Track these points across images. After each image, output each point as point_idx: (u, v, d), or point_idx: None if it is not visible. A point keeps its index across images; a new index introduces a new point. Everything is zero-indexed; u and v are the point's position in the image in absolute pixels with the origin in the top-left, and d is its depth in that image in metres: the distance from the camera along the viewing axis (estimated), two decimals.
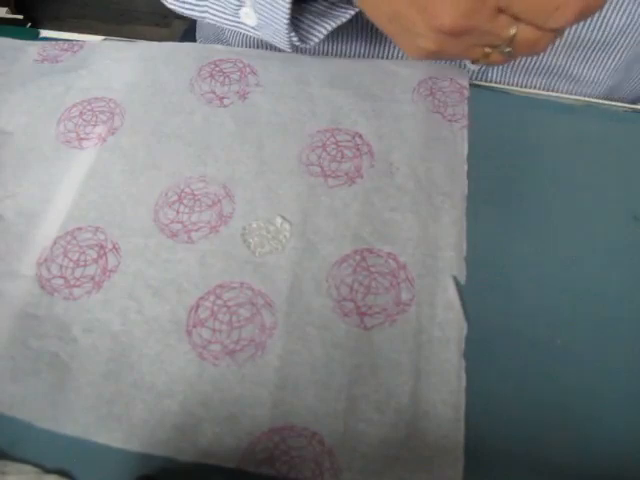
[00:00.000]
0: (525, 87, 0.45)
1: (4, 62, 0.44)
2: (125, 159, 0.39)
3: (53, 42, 0.45)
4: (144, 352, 0.32)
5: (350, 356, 0.31)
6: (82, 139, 0.40)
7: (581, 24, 0.41)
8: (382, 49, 0.46)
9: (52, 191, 0.37)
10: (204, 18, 0.41)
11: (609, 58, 0.44)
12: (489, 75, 0.46)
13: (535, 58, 0.44)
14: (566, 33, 0.41)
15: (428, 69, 0.42)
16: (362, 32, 0.45)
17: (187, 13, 0.42)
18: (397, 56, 0.46)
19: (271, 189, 0.37)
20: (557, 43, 0.42)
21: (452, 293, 0.33)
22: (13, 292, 0.34)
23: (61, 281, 0.34)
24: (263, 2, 0.36)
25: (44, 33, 0.47)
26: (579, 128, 0.37)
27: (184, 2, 0.41)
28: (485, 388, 0.30)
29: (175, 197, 0.37)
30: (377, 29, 0.43)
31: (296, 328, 0.32)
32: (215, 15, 0.41)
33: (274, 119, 0.40)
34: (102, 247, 0.35)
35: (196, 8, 0.41)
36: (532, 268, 0.34)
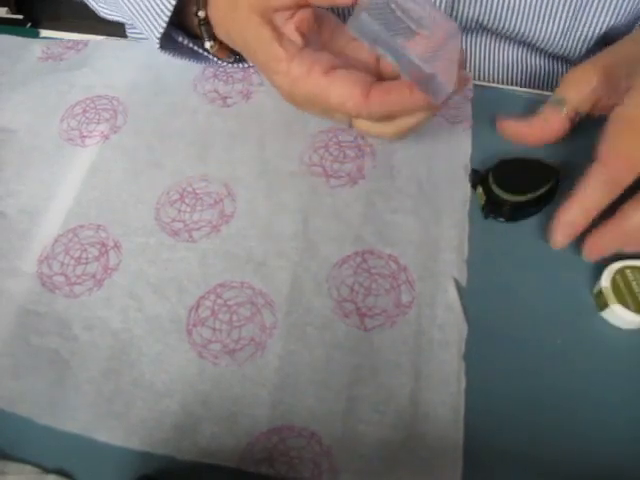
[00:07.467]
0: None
1: (8, 60, 0.44)
2: (127, 157, 0.39)
3: (57, 40, 0.45)
4: (144, 351, 0.32)
5: (350, 357, 0.31)
6: (85, 137, 0.40)
7: None
8: None
9: (54, 189, 0.38)
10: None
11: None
12: None
13: None
14: None
15: None
16: None
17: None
18: None
19: (273, 189, 0.37)
20: None
21: (452, 295, 0.33)
22: (14, 289, 0.34)
23: (62, 278, 0.34)
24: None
25: (44, 33, 0.47)
26: (579, 127, 0.37)
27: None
28: (485, 390, 0.30)
29: (177, 196, 0.37)
30: None
31: (296, 328, 0.32)
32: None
33: (277, 119, 0.40)
34: (103, 245, 0.35)
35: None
36: (532, 269, 0.34)
